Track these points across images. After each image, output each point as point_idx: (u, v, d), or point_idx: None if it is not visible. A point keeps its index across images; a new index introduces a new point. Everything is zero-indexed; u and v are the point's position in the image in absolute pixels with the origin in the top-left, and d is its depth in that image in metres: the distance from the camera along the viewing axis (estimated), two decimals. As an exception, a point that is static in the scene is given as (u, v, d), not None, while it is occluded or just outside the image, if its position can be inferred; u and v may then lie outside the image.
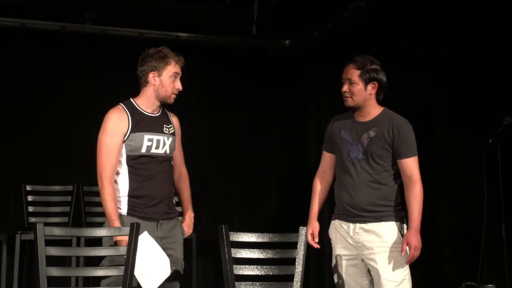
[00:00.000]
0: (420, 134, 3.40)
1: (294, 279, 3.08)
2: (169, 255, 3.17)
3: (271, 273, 3.11)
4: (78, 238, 4.70)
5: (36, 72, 5.35)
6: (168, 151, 3.30)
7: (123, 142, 3.20)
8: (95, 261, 3.25)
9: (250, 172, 5.87)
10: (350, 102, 3.35)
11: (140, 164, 3.21)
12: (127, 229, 2.96)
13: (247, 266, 3.12)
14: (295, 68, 5.86)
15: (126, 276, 2.91)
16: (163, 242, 3.20)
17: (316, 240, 3.37)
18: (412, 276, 3.25)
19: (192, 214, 3.46)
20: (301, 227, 3.15)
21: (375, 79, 3.32)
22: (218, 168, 5.81)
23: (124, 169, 3.21)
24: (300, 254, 3.10)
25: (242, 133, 5.86)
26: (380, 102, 3.35)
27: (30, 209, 5.10)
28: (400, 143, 3.25)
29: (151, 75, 3.27)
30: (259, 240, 3.15)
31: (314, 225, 3.39)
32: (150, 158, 3.23)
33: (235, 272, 3.05)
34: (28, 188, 5.14)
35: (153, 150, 3.24)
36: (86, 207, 5.32)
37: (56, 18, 5.30)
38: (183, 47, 5.55)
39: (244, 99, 5.86)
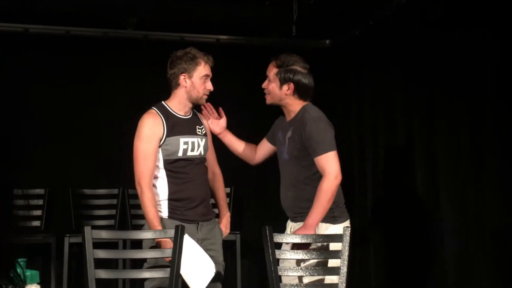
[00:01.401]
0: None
1: (339, 280, 3.07)
2: (210, 257, 3.19)
3: (315, 274, 3.10)
4: (124, 241, 4.78)
5: (80, 77, 5.45)
6: (202, 153, 3.31)
7: (159, 146, 3.21)
8: (140, 264, 3.30)
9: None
10: (268, 100, 3.36)
11: (178, 168, 3.23)
12: (172, 231, 3.00)
13: (291, 267, 3.11)
14: (336, 68, 5.82)
15: (172, 278, 2.94)
16: (204, 244, 3.22)
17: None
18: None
19: (228, 214, 3.48)
20: (344, 227, 3.13)
21: (291, 80, 3.25)
22: (262, 168, 5.80)
23: (162, 173, 3.22)
24: (344, 255, 3.09)
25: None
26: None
27: (77, 212, 5.20)
28: (310, 142, 3.18)
29: (182, 77, 3.27)
30: (303, 241, 3.14)
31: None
32: (187, 161, 3.25)
33: (280, 273, 3.05)
34: (75, 191, 5.24)
35: (189, 153, 3.25)
36: (131, 209, 5.40)
37: (99, 25, 5.39)
38: (223, 49, 5.61)
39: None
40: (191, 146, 3.26)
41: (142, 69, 5.56)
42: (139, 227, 5.27)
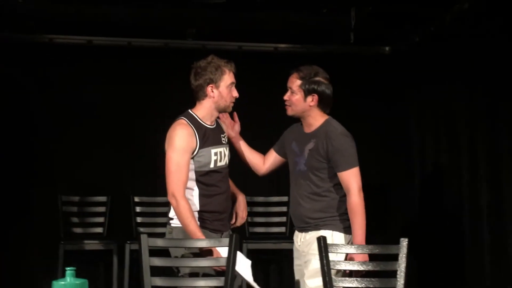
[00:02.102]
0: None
1: (396, 292, 3.00)
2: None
3: (371, 286, 3.04)
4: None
5: (141, 87, 5.57)
6: (227, 161, 3.33)
7: (192, 158, 3.19)
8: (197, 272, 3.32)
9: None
10: (289, 111, 3.33)
11: (209, 179, 3.23)
12: (226, 240, 3.01)
13: (347, 278, 3.07)
14: (396, 75, 5.73)
15: (226, 286, 2.95)
16: None
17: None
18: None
19: (244, 195, 3.48)
20: (402, 239, 3.06)
21: (315, 91, 3.24)
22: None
23: (192, 185, 3.21)
24: (401, 266, 3.03)
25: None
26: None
27: (138, 219, 5.30)
28: (335, 156, 3.17)
29: (209, 88, 3.24)
30: (359, 251, 3.10)
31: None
32: (216, 172, 3.25)
33: (335, 284, 3.01)
34: (136, 199, 5.35)
35: (218, 164, 3.26)
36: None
37: (159, 35, 5.50)
38: (281, 58, 5.62)
39: (344, 107, 5.78)
40: (220, 156, 3.27)
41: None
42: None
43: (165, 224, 5.27)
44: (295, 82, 3.29)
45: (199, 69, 3.27)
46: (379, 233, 5.77)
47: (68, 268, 2.18)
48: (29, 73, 5.44)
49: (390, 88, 5.77)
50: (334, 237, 3.21)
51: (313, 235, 3.23)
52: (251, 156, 3.54)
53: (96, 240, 5.19)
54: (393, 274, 3.04)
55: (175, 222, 3.24)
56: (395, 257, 3.05)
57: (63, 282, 2.24)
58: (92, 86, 5.50)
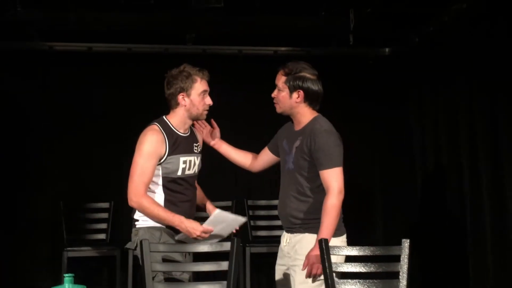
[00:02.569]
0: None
1: (398, 294, 3.00)
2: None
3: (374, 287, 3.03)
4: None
5: (142, 93, 5.58)
6: (196, 171, 3.33)
7: (160, 164, 3.20)
8: (202, 276, 3.32)
9: (352, 182, 5.78)
10: (278, 109, 3.30)
11: (175, 186, 3.23)
12: (228, 244, 3.01)
13: (349, 280, 3.07)
14: (396, 76, 5.73)
15: (229, 291, 2.95)
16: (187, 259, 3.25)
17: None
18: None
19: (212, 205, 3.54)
20: (403, 240, 3.05)
21: (300, 87, 3.20)
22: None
23: (159, 191, 3.22)
24: (403, 267, 3.01)
25: (344, 143, 5.78)
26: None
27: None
28: (317, 153, 3.12)
29: (180, 96, 3.26)
30: (361, 253, 3.09)
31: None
32: (183, 180, 3.25)
33: (337, 286, 3.00)
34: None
35: (186, 172, 3.26)
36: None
37: (159, 41, 5.51)
38: (282, 61, 5.59)
39: (345, 109, 5.80)
40: (189, 164, 3.27)
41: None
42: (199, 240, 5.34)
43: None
44: (280, 79, 3.26)
45: (170, 78, 3.29)
46: (380, 233, 5.77)
47: (67, 275, 2.19)
48: (30, 81, 5.47)
49: (390, 89, 5.77)
50: (314, 241, 3.15)
51: (298, 238, 3.21)
52: (237, 156, 3.54)
53: (99, 246, 5.20)
54: (395, 275, 3.03)
55: (140, 223, 3.25)
56: (397, 258, 3.04)
57: (61, 289, 2.24)
58: (92, 92, 5.52)
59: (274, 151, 3.44)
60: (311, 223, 3.19)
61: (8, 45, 5.37)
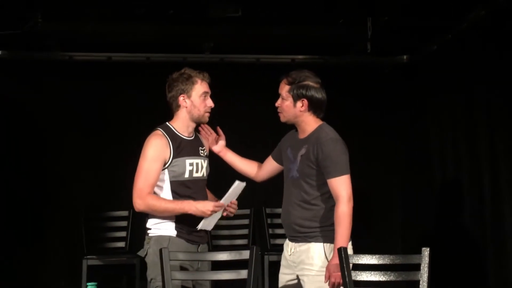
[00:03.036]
0: None
1: (419, 303, 2.98)
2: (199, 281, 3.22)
3: (394, 296, 3.03)
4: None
5: (161, 101, 5.60)
6: (205, 174, 3.33)
7: (166, 168, 3.20)
8: (221, 283, 3.32)
9: (368, 191, 5.78)
10: (282, 118, 3.30)
11: (184, 190, 3.23)
12: (247, 253, 3.02)
13: (368, 289, 3.06)
14: (414, 84, 5.71)
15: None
16: (201, 264, 3.24)
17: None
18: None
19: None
20: (423, 248, 3.04)
21: (304, 96, 3.20)
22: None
23: (168, 195, 3.22)
24: (424, 276, 3.00)
25: (363, 153, 5.78)
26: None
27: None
28: (325, 162, 3.12)
29: (181, 98, 3.28)
30: (380, 262, 3.08)
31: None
32: (192, 183, 3.26)
33: (356, 294, 3.00)
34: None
35: (194, 174, 3.26)
36: (211, 230, 5.48)
37: (177, 50, 5.55)
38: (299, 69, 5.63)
39: (363, 118, 5.79)
40: (196, 167, 3.27)
41: (219, 90, 5.64)
42: (219, 248, 5.36)
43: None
44: (284, 88, 3.26)
45: (171, 81, 3.33)
46: (398, 242, 5.74)
47: (90, 284, 2.21)
48: (49, 91, 5.52)
49: (408, 97, 5.75)
50: (326, 248, 3.17)
51: (304, 248, 3.20)
52: (242, 165, 3.55)
53: (118, 254, 5.23)
54: (415, 284, 3.02)
55: (151, 232, 3.25)
56: (416, 267, 3.03)
57: (85, 297, 2.27)
58: (112, 102, 5.57)
59: (277, 159, 3.45)
60: (316, 231, 3.19)
61: (29, 55, 5.45)
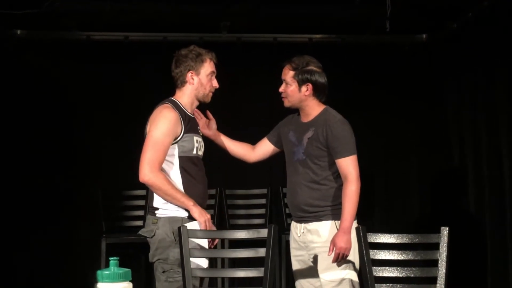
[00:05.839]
0: None
1: (438, 282, 2.98)
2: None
3: (412, 275, 3.02)
4: (222, 240, 4.86)
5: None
6: (202, 152, 3.33)
7: (176, 142, 3.17)
8: (239, 263, 3.34)
9: (390, 172, 5.75)
10: (286, 103, 3.36)
11: (192, 167, 3.22)
12: (265, 231, 3.02)
13: (387, 268, 3.06)
14: (433, 63, 5.65)
15: (266, 278, 2.96)
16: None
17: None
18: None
19: None
20: (442, 227, 3.03)
21: (309, 80, 3.28)
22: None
23: (176, 171, 3.18)
24: (442, 255, 3.00)
25: (380, 134, 5.74)
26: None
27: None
28: (334, 143, 3.21)
29: (189, 74, 3.24)
30: (399, 241, 3.08)
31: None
32: (198, 160, 3.27)
33: (375, 274, 3.00)
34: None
35: (199, 152, 3.27)
36: (229, 210, 5.51)
37: (194, 30, 5.53)
38: (317, 48, 5.59)
39: (380, 99, 5.75)
40: (199, 145, 3.28)
41: (236, 70, 5.63)
42: (237, 227, 5.38)
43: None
44: (288, 74, 3.33)
45: (180, 56, 3.29)
46: (414, 224, 5.72)
47: (112, 258, 2.22)
48: (69, 70, 5.54)
49: (427, 77, 5.70)
50: (336, 226, 3.24)
51: (314, 227, 3.27)
52: (235, 147, 3.59)
53: (136, 233, 5.25)
54: (433, 263, 3.01)
55: (160, 213, 3.19)
56: (435, 246, 3.02)
57: (107, 272, 2.28)
58: (130, 80, 5.57)
59: (274, 142, 3.52)
60: (326, 210, 3.26)
61: (46, 35, 5.46)
